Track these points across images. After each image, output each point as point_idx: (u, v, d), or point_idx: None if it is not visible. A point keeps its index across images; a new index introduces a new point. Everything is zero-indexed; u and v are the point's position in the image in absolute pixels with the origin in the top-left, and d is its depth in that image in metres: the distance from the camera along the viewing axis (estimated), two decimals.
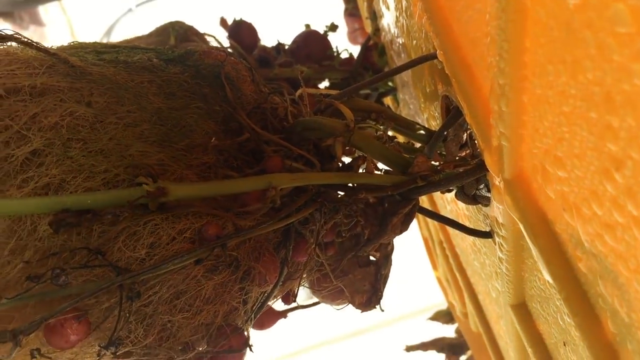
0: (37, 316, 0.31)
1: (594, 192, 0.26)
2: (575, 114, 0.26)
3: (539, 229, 0.34)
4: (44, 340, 0.33)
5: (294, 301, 0.47)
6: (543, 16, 0.26)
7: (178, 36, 0.70)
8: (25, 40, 0.36)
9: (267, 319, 0.47)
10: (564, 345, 0.38)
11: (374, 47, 0.79)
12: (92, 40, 0.43)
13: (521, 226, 0.35)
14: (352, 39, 1.01)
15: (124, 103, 0.36)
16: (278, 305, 0.47)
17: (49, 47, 0.37)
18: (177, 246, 0.35)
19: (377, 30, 0.79)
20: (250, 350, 0.40)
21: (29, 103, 0.33)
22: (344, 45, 0.81)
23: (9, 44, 0.36)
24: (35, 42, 0.36)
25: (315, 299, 0.50)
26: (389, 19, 0.67)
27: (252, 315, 0.41)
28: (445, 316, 1.24)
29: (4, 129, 0.33)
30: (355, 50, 0.81)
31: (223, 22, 0.76)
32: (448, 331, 1.25)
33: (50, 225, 0.32)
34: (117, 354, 0.34)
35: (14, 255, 0.32)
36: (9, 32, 0.35)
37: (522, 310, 0.45)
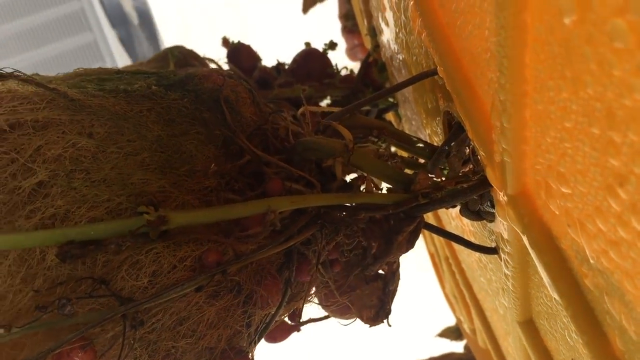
0: (47, 343, 0.32)
1: (598, 208, 0.26)
2: (577, 129, 0.26)
3: (544, 245, 0.33)
4: None
5: (300, 320, 0.47)
6: (542, 32, 0.26)
7: (177, 62, 0.70)
8: (25, 76, 0.36)
9: (280, 332, 0.47)
10: None
11: (374, 63, 0.79)
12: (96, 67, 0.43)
13: (526, 242, 0.35)
14: (352, 55, 1.02)
15: (124, 133, 0.36)
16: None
17: (48, 81, 0.38)
18: (178, 274, 0.35)
19: (376, 46, 0.79)
20: None
21: (33, 136, 0.34)
22: (343, 62, 0.81)
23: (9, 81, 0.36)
24: (34, 79, 0.36)
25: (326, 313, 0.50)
26: (388, 36, 0.67)
27: (256, 338, 0.41)
28: (453, 332, 1.23)
29: (10, 162, 0.33)
30: (355, 67, 0.81)
31: (225, 41, 0.76)
32: (457, 347, 1.24)
33: (57, 257, 0.32)
34: None
35: (25, 284, 0.33)
36: (9, 71, 0.36)
37: (530, 327, 0.45)
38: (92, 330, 0.33)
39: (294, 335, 0.48)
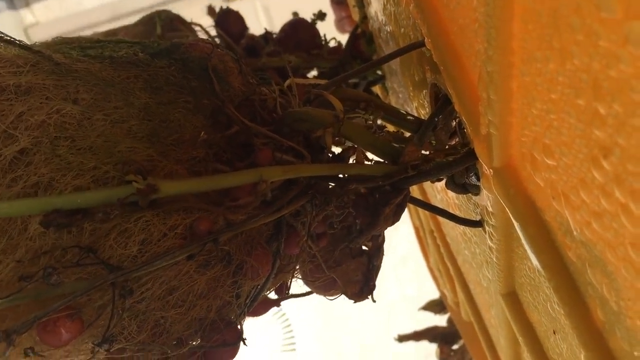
0: (30, 315, 0.31)
1: (582, 179, 0.26)
2: (564, 101, 0.26)
3: (529, 218, 0.34)
4: (38, 339, 0.33)
5: (287, 293, 0.47)
6: (530, 1, 0.26)
7: (164, 26, 0.69)
8: (8, 38, 0.35)
9: (260, 307, 0.47)
10: (554, 333, 0.38)
11: (361, 35, 0.79)
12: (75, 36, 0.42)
13: (510, 215, 0.35)
14: (340, 27, 1.01)
15: (111, 99, 0.36)
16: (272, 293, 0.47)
17: (33, 44, 0.37)
18: (169, 242, 0.34)
19: (364, 18, 0.78)
20: (244, 343, 0.40)
21: (15, 102, 0.33)
22: (331, 33, 0.80)
23: None
24: (18, 40, 0.35)
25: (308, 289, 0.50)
26: (376, 7, 0.67)
27: (245, 309, 0.41)
28: (437, 306, 1.25)
29: None
30: (343, 39, 0.80)
31: (211, 10, 0.75)
32: (440, 321, 1.25)
33: (41, 225, 0.32)
34: (111, 350, 0.34)
35: (5, 255, 0.32)
36: None
37: (513, 299, 0.45)
38: (79, 300, 0.32)
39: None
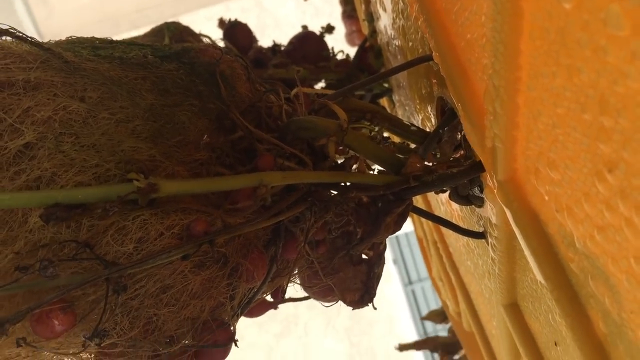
0: (26, 305, 0.31)
1: (587, 193, 0.26)
2: (570, 116, 0.26)
3: (532, 230, 0.34)
4: (30, 329, 0.33)
5: (283, 297, 0.47)
6: (539, 18, 0.26)
7: (173, 37, 0.70)
8: (20, 34, 0.36)
9: (257, 308, 0.47)
10: (555, 345, 0.38)
11: (370, 48, 0.79)
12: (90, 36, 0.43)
13: (514, 227, 0.35)
14: (350, 40, 1.02)
15: (117, 99, 0.36)
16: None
17: (44, 42, 0.38)
18: (165, 241, 0.35)
19: (374, 32, 0.79)
20: (235, 345, 0.40)
21: (23, 97, 0.33)
22: (341, 47, 0.81)
23: (3, 38, 0.36)
24: (30, 37, 0.36)
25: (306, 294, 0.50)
26: (385, 21, 0.67)
27: (239, 311, 0.41)
28: (439, 316, 1.25)
29: None
30: (353, 52, 0.81)
31: (221, 22, 0.76)
32: (441, 330, 1.25)
33: (41, 218, 0.32)
34: (102, 345, 0.34)
35: (5, 246, 0.32)
36: (4, 27, 0.35)
37: (514, 310, 0.45)
38: (73, 293, 0.33)
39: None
